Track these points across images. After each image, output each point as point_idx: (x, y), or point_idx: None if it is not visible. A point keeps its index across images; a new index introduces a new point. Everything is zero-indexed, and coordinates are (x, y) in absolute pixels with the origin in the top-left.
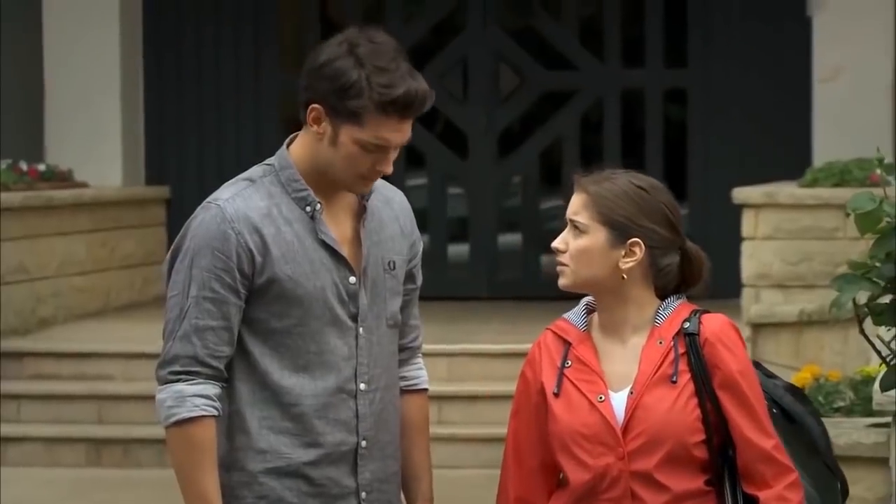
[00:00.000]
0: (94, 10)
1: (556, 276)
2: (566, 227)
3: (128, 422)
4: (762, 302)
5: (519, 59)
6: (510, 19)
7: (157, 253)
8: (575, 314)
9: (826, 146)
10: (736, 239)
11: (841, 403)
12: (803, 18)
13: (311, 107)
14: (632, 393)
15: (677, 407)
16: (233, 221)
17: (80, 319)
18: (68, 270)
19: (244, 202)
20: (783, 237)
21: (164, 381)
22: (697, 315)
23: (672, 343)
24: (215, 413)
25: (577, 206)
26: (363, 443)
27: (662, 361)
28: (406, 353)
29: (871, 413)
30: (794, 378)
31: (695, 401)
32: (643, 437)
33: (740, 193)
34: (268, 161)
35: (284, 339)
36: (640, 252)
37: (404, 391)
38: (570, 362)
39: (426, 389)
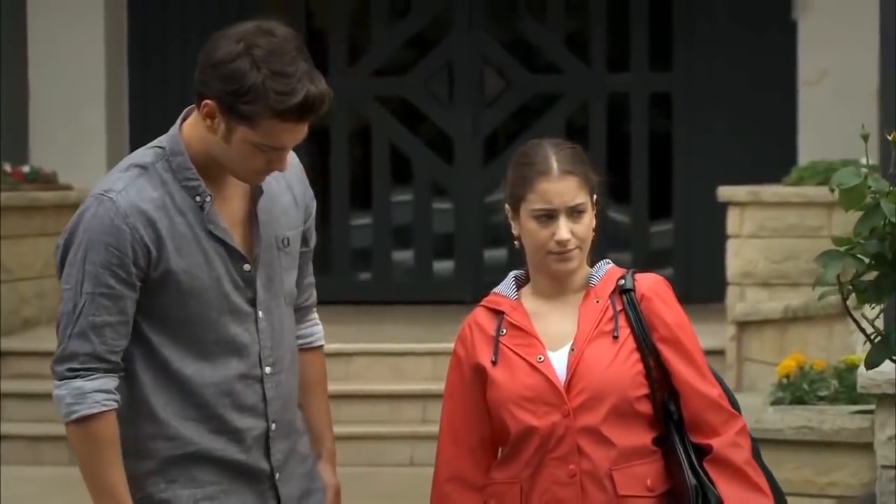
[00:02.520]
0: (79, 13)
1: None
2: (551, 218)
3: None
4: (747, 300)
5: (504, 62)
6: (496, 23)
7: None
8: (505, 286)
9: (811, 150)
10: (721, 240)
11: (825, 392)
12: (788, 22)
13: (204, 101)
14: (573, 350)
15: (618, 361)
16: (127, 216)
17: None
18: (52, 272)
19: (138, 193)
20: (768, 235)
21: (61, 377)
22: (631, 273)
23: (609, 301)
24: (116, 406)
25: (573, 191)
26: (273, 426)
27: (601, 319)
28: (301, 312)
29: (855, 401)
30: (779, 367)
31: (636, 356)
32: (586, 393)
33: (725, 191)
34: (159, 142)
35: (183, 328)
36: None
37: (301, 349)
38: (504, 330)
39: (322, 346)
